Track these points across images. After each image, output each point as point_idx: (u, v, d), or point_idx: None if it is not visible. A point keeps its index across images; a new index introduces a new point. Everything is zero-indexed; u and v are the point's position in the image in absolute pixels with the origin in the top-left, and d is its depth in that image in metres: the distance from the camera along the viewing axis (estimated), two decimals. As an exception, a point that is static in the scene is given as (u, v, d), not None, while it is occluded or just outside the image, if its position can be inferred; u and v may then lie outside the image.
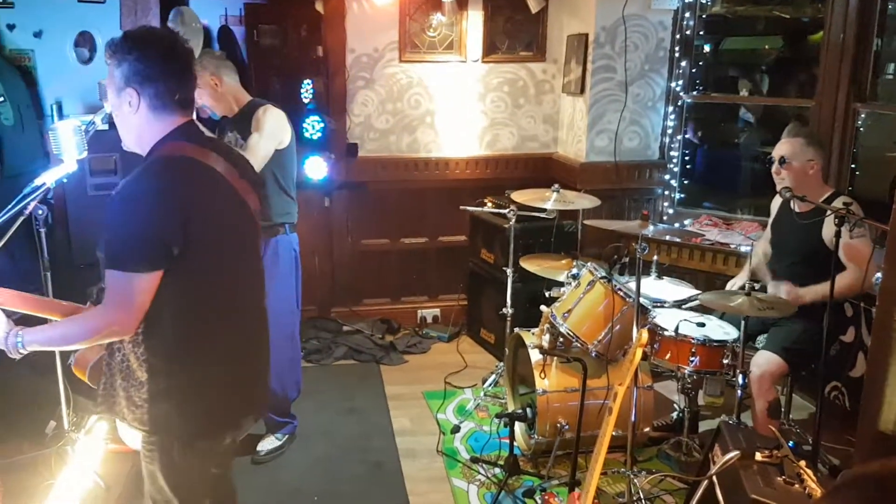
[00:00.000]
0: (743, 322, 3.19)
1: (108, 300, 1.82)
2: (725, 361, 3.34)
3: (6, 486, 2.97)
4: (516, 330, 3.84)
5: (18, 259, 4.25)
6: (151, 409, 1.94)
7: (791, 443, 2.44)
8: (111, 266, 1.80)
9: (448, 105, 5.20)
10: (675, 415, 3.91)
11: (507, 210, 4.19)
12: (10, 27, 6.29)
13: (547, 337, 3.55)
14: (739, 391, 3.23)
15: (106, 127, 3.96)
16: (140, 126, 1.94)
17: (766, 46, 6.31)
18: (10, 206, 2.42)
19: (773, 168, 3.44)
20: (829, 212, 3.15)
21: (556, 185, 4.10)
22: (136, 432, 2.01)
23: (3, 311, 1.96)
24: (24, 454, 3.45)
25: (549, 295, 3.91)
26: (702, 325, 3.45)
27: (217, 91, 3.37)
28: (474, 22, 5.09)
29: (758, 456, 2.34)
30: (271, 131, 3.29)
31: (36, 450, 3.47)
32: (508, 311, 4.27)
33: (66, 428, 3.38)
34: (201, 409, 1.99)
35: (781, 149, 3.43)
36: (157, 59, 1.89)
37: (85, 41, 6.19)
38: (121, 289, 1.81)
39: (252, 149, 3.18)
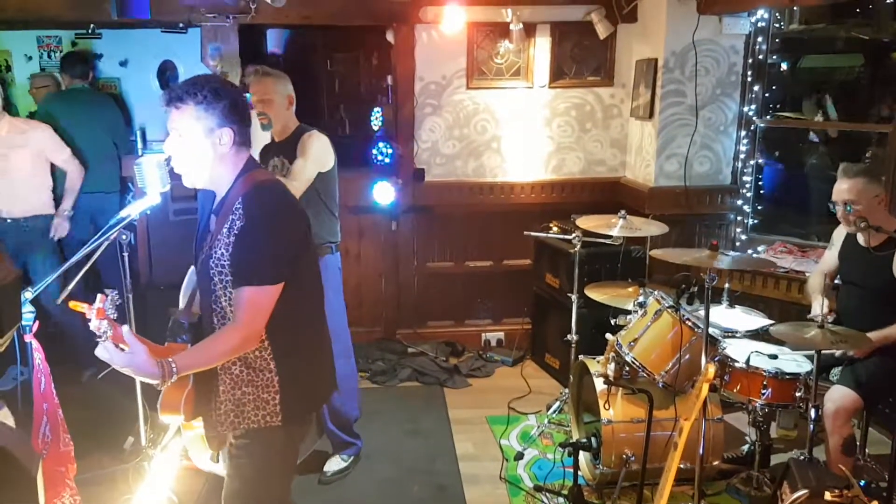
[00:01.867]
0: (816, 355, 3.10)
1: (243, 316, 2.05)
2: (798, 394, 3.25)
3: (86, 499, 3.10)
4: (581, 357, 3.82)
5: (105, 280, 4.47)
6: (283, 400, 2.18)
7: (863, 481, 2.36)
8: (246, 283, 2.05)
9: (514, 130, 5.24)
10: (746, 448, 3.81)
11: (573, 236, 4.18)
12: (98, 56, 6.63)
13: (612, 366, 3.51)
14: (812, 425, 3.13)
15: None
16: (223, 162, 2.15)
17: (847, 64, 6.13)
18: (98, 235, 2.56)
19: (840, 213, 3.32)
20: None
21: (623, 212, 4.07)
22: (241, 432, 2.20)
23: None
24: (103, 468, 3.61)
25: (615, 322, 3.88)
26: (774, 356, 3.37)
27: (285, 111, 3.49)
28: (542, 48, 5.12)
29: (827, 495, 2.28)
30: (316, 156, 3.40)
31: (115, 464, 3.63)
32: (573, 337, 4.25)
33: (143, 444, 3.52)
34: (316, 388, 2.33)
35: (844, 193, 3.30)
36: (240, 103, 2.16)
37: (168, 70, 6.47)
38: (257, 302, 2.05)
39: (296, 173, 3.30)
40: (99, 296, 1.90)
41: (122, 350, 1.93)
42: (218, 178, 2.17)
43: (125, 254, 3.32)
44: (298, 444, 2.35)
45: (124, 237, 3.21)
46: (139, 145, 5.57)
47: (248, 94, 3.32)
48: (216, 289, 2.15)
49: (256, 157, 2.69)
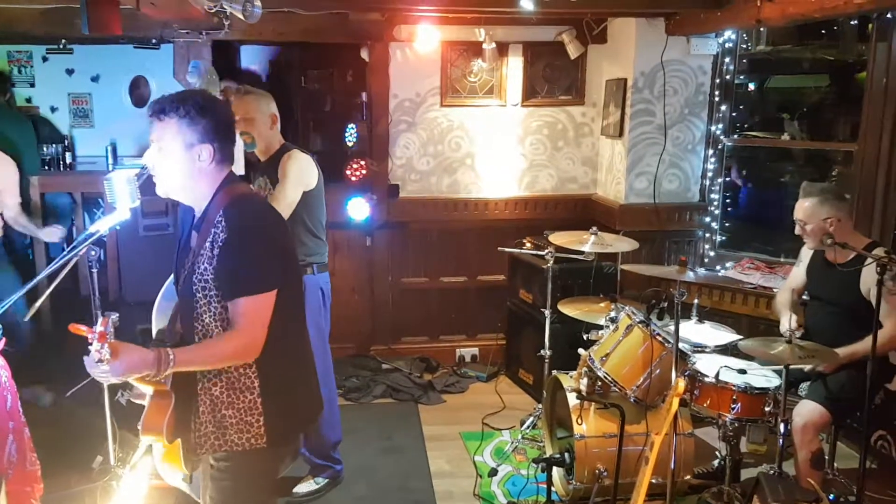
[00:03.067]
0: (784, 370, 3.15)
1: (244, 325, 2.05)
2: (767, 409, 3.29)
3: (54, 519, 3.05)
4: (554, 373, 3.84)
5: (74, 295, 4.42)
6: (266, 422, 2.15)
7: (832, 495, 2.40)
8: (241, 294, 2.05)
9: (488, 147, 5.28)
10: (716, 462, 3.84)
11: (546, 252, 4.22)
12: (70, 72, 6.58)
13: (585, 381, 3.53)
14: (781, 440, 3.18)
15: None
16: (202, 177, 2.15)
17: (813, 85, 6.26)
18: (66, 250, 2.54)
19: (797, 229, 3.43)
20: (868, 262, 3.11)
21: (595, 228, 4.12)
22: (222, 455, 2.17)
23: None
24: (71, 488, 3.54)
25: (588, 338, 3.91)
26: (743, 371, 3.41)
27: (268, 130, 3.48)
28: (514, 67, 5.19)
29: (798, 510, 2.30)
30: (296, 178, 3.38)
31: (83, 483, 3.55)
32: (546, 352, 4.28)
33: (112, 463, 3.47)
34: (301, 407, 2.29)
35: (797, 211, 3.41)
36: (224, 121, 2.17)
37: (139, 85, 6.44)
38: (256, 311, 2.06)
39: (277, 198, 3.29)
40: (100, 319, 1.88)
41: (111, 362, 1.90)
42: (196, 192, 2.17)
43: (94, 270, 3.28)
44: (281, 464, 2.33)
45: (93, 253, 3.18)
46: (109, 160, 5.52)
47: None
48: (199, 305, 2.12)
49: (239, 172, 2.69)
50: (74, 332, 1.92)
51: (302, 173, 3.42)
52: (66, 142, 6.19)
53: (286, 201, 3.32)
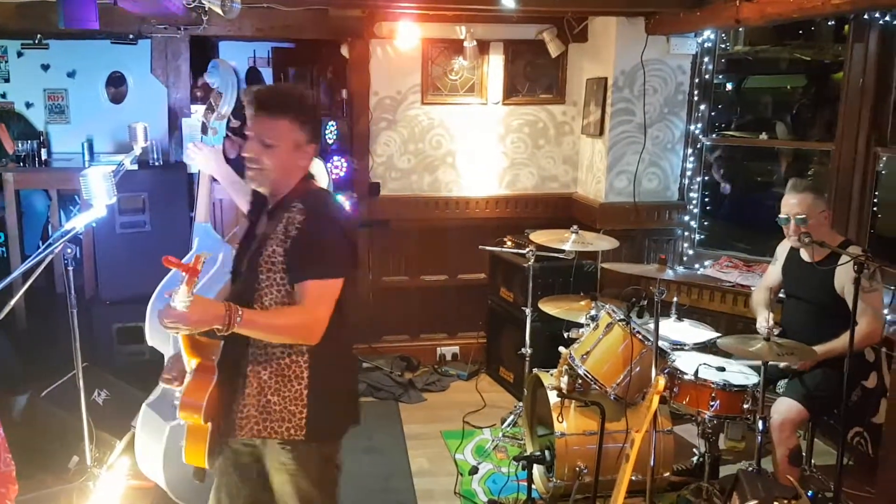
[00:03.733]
0: (763, 367, 3.17)
1: (309, 304, 2.08)
2: (746, 406, 3.31)
3: (29, 521, 3.00)
4: (535, 371, 3.85)
5: (49, 294, 4.36)
6: (309, 415, 2.15)
7: (811, 492, 2.43)
8: (310, 276, 2.08)
9: (469, 145, 5.28)
10: (695, 459, 3.87)
11: (527, 250, 4.22)
12: (45, 67, 6.48)
13: (565, 379, 3.54)
14: (759, 437, 3.20)
15: (135, 168, 4.09)
16: (298, 173, 2.22)
17: (789, 85, 6.33)
18: (41, 248, 2.50)
19: (791, 227, 3.37)
20: (844, 260, 3.14)
21: (575, 227, 4.13)
22: (275, 450, 2.20)
23: None
24: (47, 488, 3.49)
25: (568, 336, 3.91)
26: (722, 368, 3.44)
27: None
28: (495, 66, 5.19)
29: (776, 505, 2.32)
30: None
31: (59, 484, 3.51)
32: (527, 351, 4.28)
33: (88, 463, 3.42)
34: (343, 409, 2.29)
35: (794, 208, 3.35)
36: (320, 119, 2.30)
37: (116, 81, 6.36)
38: (322, 294, 2.09)
39: None
40: (194, 256, 1.92)
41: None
42: (286, 185, 2.21)
43: (70, 268, 3.23)
44: (336, 459, 2.34)
45: (69, 250, 3.13)
46: (85, 157, 5.45)
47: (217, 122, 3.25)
48: (261, 286, 2.14)
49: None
50: (168, 265, 1.93)
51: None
52: (41, 138, 6.10)
53: None
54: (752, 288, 4.36)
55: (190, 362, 2.09)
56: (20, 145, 5.62)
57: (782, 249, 3.68)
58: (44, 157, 5.92)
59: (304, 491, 2.24)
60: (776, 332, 3.35)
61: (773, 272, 3.75)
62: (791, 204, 3.37)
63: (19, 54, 6.27)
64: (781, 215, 3.41)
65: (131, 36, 4.78)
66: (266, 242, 2.13)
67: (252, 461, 2.32)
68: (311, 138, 2.19)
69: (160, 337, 3.23)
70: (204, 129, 3.21)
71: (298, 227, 2.10)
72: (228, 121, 3.35)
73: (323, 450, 2.26)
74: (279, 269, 2.12)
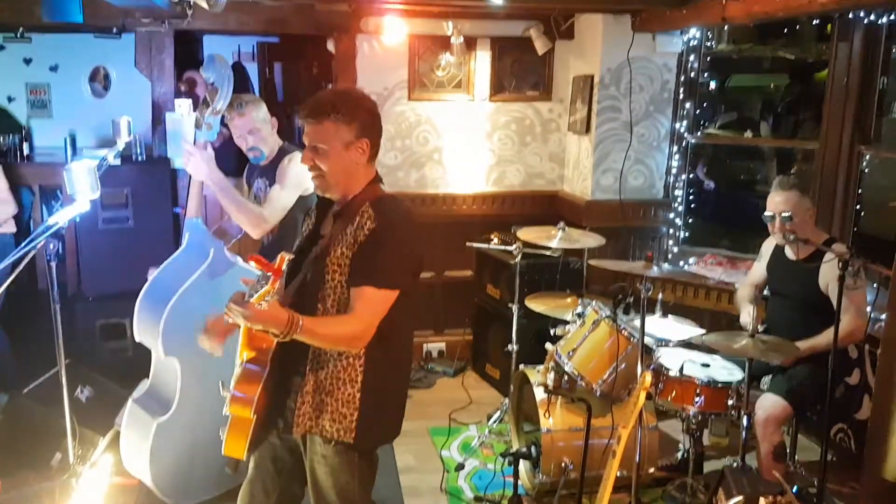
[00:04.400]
0: (747, 364, 3.19)
1: (361, 312, 2.09)
2: (730, 402, 3.33)
3: (10, 519, 2.97)
4: (521, 367, 3.85)
5: (31, 289, 4.31)
6: (360, 418, 2.18)
7: (795, 487, 2.44)
8: (370, 283, 2.10)
9: (456, 142, 5.27)
10: (680, 455, 3.89)
11: (513, 247, 4.23)
12: (27, 61, 6.41)
13: (552, 375, 3.55)
14: (744, 433, 3.22)
15: (118, 162, 4.05)
16: (357, 172, 2.22)
17: (773, 84, 6.37)
18: (23, 244, 2.47)
19: (776, 225, 3.37)
20: (828, 258, 3.17)
21: (562, 224, 4.13)
22: (316, 442, 2.22)
23: None
24: (29, 486, 3.46)
25: (555, 332, 3.92)
26: (706, 365, 3.45)
27: (272, 131, 3.43)
28: (482, 62, 5.18)
29: (761, 501, 2.35)
30: (295, 182, 3.33)
31: (41, 482, 3.47)
32: (514, 347, 4.28)
33: (71, 460, 3.39)
34: (391, 418, 2.33)
35: (780, 205, 3.36)
36: (375, 114, 2.24)
37: (99, 76, 6.30)
38: (374, 302, 2.10)
39: (270, 200, 3.27)
40: (280, 256, 1.96)
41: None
42: (350, 186, 2.22)
43: (53, 263, 3.20)
44: (376, 466, 2.36)
45: (52, 246, 3.10)
46: (68, 151, 5.40)
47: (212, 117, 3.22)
48: (326, 287, 2.16)
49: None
50: (258, 264, 1.95)
51: (301, 177, 3.34)
52: (23, 132, 6.03)
53: (280, 204, 3.29)
54: (737, 285, 4.39)
55: (243, 354, 2.12)
56: (1, 139, 5.55)
57: (767, 247, 3.71)
58: (26, 151, 5.86)
59: (343, 484, 2.26)
60: (761, 328, 3.37)
61: (758, 269, 3.77)
62: (777, 202, 3.39)
63: (1, 48, 6.19)
64: (767, 213, 3.42)
65: (115, 30, 4.73)
66: (334, 244, 2.16)
67: (287, 454, 2.37)
68: (361, 133, 2.17)
69: (149, 333, 3.21)
70: (198, 125, 3.18)
71: (368, 233, 2.12)
72: (223, 117, 3.32)
73: (370, 456, 2.31)
74: (345, 271, 2.14)
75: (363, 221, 2.13)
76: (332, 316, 2.15)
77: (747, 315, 3.56)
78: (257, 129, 3.38)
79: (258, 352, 2.11)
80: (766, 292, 3.79)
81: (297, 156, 3.38)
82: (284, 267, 2.00)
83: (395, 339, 2.21)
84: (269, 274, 1.96)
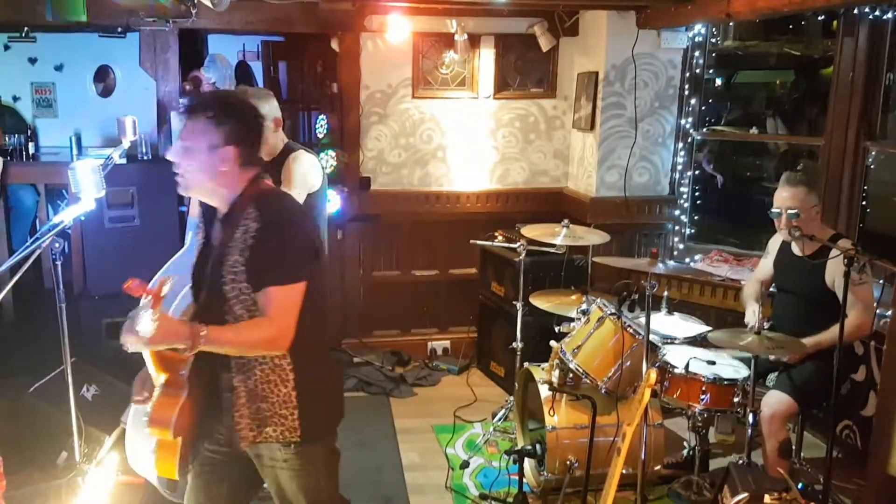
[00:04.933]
0: (753, 361, 3.18)
1: (274, 314, 2.06)
2: (736, 400, 3.33)
3: (17, 517, 2.99)
4: (526, 365, 3.85)
5: (38, 288, 4.32)
6: (302, 414, 2.15)
7: (801, 484, 2.43)
8: (271, 283, 2.06)
9: (460, 140, 5.26)
10: (685, 452, 3.88)
11: (518, 244, 4.22)
12: (32, 60, 6.43)
13: (556, 373, 3.54)
14: (750, 430, 3.22)
15: (124, 162, 4.06)
16: (224, 179, 2.14)
17: (778, 80, 6.35)
18: (29, 242, 2.48)
19: (783, 221, 3.37)
20: (835, 254, 3.15)
21: (566, 221, 4.13)
22: (273, 449, 2.20)
23: None
24: (35, 484, 3.47)
25: (559, 330, 3.92)
26: (712, 362, 3.45)
27: (276, 131, 3.42)
28: (486, 59, 5.17)
29: (766, 498, 2.34)
30: (301, 181, 3.33)
31: (47, 480, 3.49)
32: (518, 345, 4.28)
33: (77, 459, 3.40)
34: (332, 403, 2.33)
35: (787, 200, 3.36)
36: (251, 125, 2.17)
37: (104, 75, 6.31)
38: (285, 301, 2.07)
39: None
40: (158, 278, 1.90)
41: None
42: (218, 193, 2.16)
43: (58, 262, 3.21)
44: (335, 453, 2.37)
45: (57, 245, 3.11)
46: (73, 151, 5.41)
47: None
48: (230, 296, 2.11)
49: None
50: (129, 292, 1.89)
51: (307, 176, 3.36)
52: (28, 132, 6.05)
53: None
54: (742, 282, 4.38)
55: (158, 377, 2.06)
56: (6, 139, 5.57)
57: (774, 243, 3.70)
58: (31, 151, 5.87)
59: (309, 485, 2.26)
60: (766, 325, 3.36)
61: (765, 266, 3.76)
62: (783, 197, 3.38)
63: (6, 47, 6.21)
64: (774, 208, 3.42)
65: (119, 29, 4.73)
66: (227, 251, 2.10)
67: (232, 460, 2.31)
68: (228, 140, 2.09)
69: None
70: None
71: (254, 235, 2.07)
72: None
73: (322, 443, 2.28)
74: (242, 278, 2.09)
75: (248, 223, 2.08)
76: (245, 322, 2.11)
77: (752, 314, 3.55)
78: None
79: (171, 373, 2.05)
80: (772, 289, 3.78)
81: (302, 154, 3.39)
82: (165, 292, 1.91)
83: (315, 330, 2.19)
84: (148, 297, 1.89)
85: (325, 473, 2.30)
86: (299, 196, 3.32)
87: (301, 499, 2.27)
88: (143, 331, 1.86)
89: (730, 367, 3.47)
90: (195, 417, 2.14)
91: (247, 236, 2.07)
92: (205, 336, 1.97)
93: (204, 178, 2.13)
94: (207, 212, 2.28)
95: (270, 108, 3.38)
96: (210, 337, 1.98)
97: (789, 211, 3.33)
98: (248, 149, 2.15)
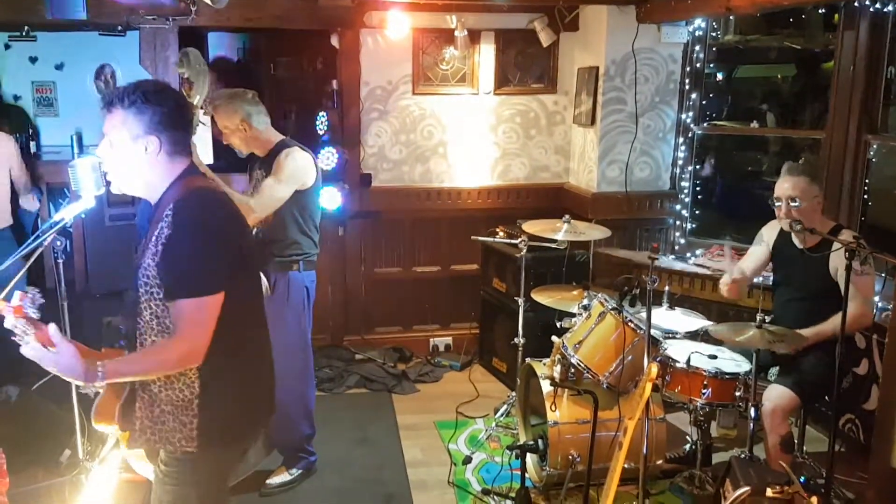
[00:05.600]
0: (754, 354, 3.18)
1: (184, 329, 1.94)
2: (738, 394, 3.33)
3: (21, 515, 3.00)
4: (527, 360, 3.85)
5: (39, 287, 4.31)
6: (200, 423, 2.05)
7: (803, 478, 2.43)
8: (184, 295, 1.93)
9: (460, 136, 5.26)
10: (688, 447, 3.88)
11: (519, 240, 4.22)
12: (33, 59, 6.44)
13: (558, 368, 3.55)
14: (752, 424, 3.22)
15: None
16: (152, 170, 2.06)
17: (780, 75, 6.33)
18: (29, 240, 2.48)
19: (783, 210, 3.36)
20: (837, 245, 3.15)
21: (567, 216, 4.13)
22: (166, 457, 2.11)
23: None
24: (38, 483, 3.48)
25: (561, 325, 3.92)
26: (713, 356, 3.45)
27: (246, 135, 3.43)
28: (486, 55, 5.17)
29: (768, 492, 2.34)
30: (290, 175, 3.33)
31: (50, 478, 3.50)
32: (520, 340, 4.28)
33: (80, 457, 3.42)
34: (236, 416, 2.15)
35: (789, 190, 3.35)
36: (175, 110, 2.05)
37: (105, 73, 6.32)
38: (197, 314, 1.94)
39: (262, 191, 3.27)
40: (17, 293, 1.81)
41: (49, 350, 1.85)
42: (148, 186, 2.09)
43: (60, 260, 3.22)
44: (227, 470, 2.26)
45: (59, 243, 3.11)
46: (74, 150, 5.42)
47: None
48: (141, 300, 2.04)
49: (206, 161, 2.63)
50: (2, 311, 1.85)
51: (297, 172, 3.37)
52: (30, 131, 6.06)
53: (273, 196, 3.29)
54: (726, 277, 4.35)
55: None
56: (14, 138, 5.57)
57: (770, 233, 3.66)
58: (33, 150, 5.89)
59: (181, 499, 2.14)
60: (766, 319, 3.35)
61: (756, 253, 3.70)
62: (785, 187, 3.37)
63: (7, 46, 6.23)
64: (775, 197, 3.41)
65: (119, 27, 4.73)
66: (144, 254, 2.00)
67: None
68: (150, 129, 1.99)
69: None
70: None
71: (164, 242, 1.95)
72: (202, 110, 3.32)
73: (214, 461, 2.16)
74: (154, 283, 1.99)
75: (163, 227, 1.96)
76: (151, 347, 2.03)
77: (728, 276, 3.54)
78: (226, 129, 3.39)
79: None
80: (767, 282, 3.76)
81: (295, 151, 3.40)
82: (24, 303, 1.84)
83: (229, 343, 2.03)
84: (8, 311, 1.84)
85: (202, 491, 2.15)
86: (284, 190, 3.33)
87: None
88: (39, 358, 1.84)
89: (731, 361, 3.46)
90: (129, 416, 2.11)
91: (159, 241, 1.96)
92: (102, 372, 1.87)
93: (130, 171, 2.06)
94: (146, 208, 2.23)
95: (236, 112, 3.38)
96: (109, 371, 1.89)
97: (790, 200, 3.32)
98: (174, 135, 2.04)
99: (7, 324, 1.81)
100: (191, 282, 1.95)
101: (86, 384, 1.89)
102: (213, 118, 3.54)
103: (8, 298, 1.89)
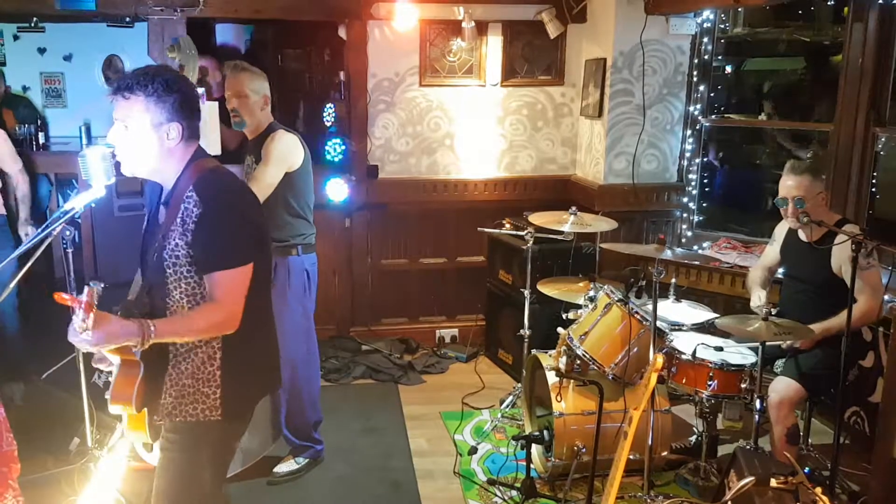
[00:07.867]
0: (760, 347, 3.19)
1: (224, 298, 2.06)
2: (744, 386, 3.33)
3: (30, 501, 3.01)
4: (533, 352, 3.86)
5: (48, 277, 4.35)
6: (224, 393, 2.16)
7: (807, 469, 2.44)
8: (217, 268, 2.06)
9: (467, 128, 5.26)
10: (693, 438, 3.89)
11: (525, 232, 4.23)
12: (42, 51, 6.46)
13: (564, 359, 3.55)
14: (757, 416, 3.22)
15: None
16: (170, 156, 2.12)
17: (788, 68, 6.30)
18: (39, 230, 2.50)
19: (789, 210, 3.37)
20: (839, 239, 3.15)
21: (574, 208, 4.13)
22: (173, 426, 2.19)
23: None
24: (47, 470, 3.51)
25: (567, 317, 3.93)
26: (719, 348, 3.45)
27: (252, 105, 3.43)
28: (494, 47, 5.16)
29: (773, 482, 2.34)
30: (278, 158, 3.35)
31: (59, 466, 3.53)
32: (526, 332, 4.29)
33: (89, 445, 3.44)
34: (252, 385, 2.28)
35: (792, 190, 3.35)
36: (191, 97, 2.13)
37: (113, 64, 6.34)
38: (230, 284, 2.06)
39: (256, 179, 3.28)
40: (86, 289, 1.84)
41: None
42: (164, 171, 2.14)
43: (69, 250, 3.24)
44: (234, 441, 2.32)
45: (68, 233, 3.13)
46: (83, 141, 5.44)
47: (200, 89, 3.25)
48: (169, 281, 2.11)
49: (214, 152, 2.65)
50: (60, 301, 1.87)
51: (284, 154, 3.38)
52: (38, 121, 6.09)
53: (265, 182, 3.30)
54: (751, 269, 4.37)
55: (114, 359, 2.08)
56: (17, 129, 5.61)
57: (781, 230, 3.69)
58: (41, 141, 5.91)
59: (192, 470, 2.22)
60: (773, 312, 3.36)
61: (771, 252, 3.76)
62: (788, 186, 3.37)
63: (15, 37, 6.26)
64: (779, 197, 3.41)
65: (128, 18, 4.75)
66: (168, 235, 2.08)
67: None
68: (173, 116, 2.06)
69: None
70: None
71: (196, 220, 2.04)
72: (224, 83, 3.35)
73: (227, 430, 2.25)
74: (184, 262, 2.08)
75: (190, 208, 2.05)
76: (194, 309, 2.11)
77: (758, 299, 3.56)
78: (244, 96, 3.39)
79: (124, 353, 2.05)
80: (779, 275, 3.78)
81: (281, 133, 3.40)
82: (93, 299, 1.85)
83: (253, 310, 2.14)
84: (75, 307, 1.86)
85: (211, 459, 2.25)
86: (275, 174, 3.34)
87: (170, 482, 2.22)
88: (76, 340, 1.86)
89: (737, 353, 3.47)
90: (154, 393, 2.16)
91: (189, 221, 2.05)
92: (154, 331, 1.96)
93: (148, 157, 2.10)
94: (151, 194, 2.28)
95: (262, 86, 3.44)
96: (159, 330, 1.97)
97: (795, 199, 3.33)
98: (191, 122, 2.13)
99: (76, 320, 1.83)
100: (228, 254, 2.07)
101: (141, 342, 1.95)
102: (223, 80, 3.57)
103: (63, 292, 1.90)
